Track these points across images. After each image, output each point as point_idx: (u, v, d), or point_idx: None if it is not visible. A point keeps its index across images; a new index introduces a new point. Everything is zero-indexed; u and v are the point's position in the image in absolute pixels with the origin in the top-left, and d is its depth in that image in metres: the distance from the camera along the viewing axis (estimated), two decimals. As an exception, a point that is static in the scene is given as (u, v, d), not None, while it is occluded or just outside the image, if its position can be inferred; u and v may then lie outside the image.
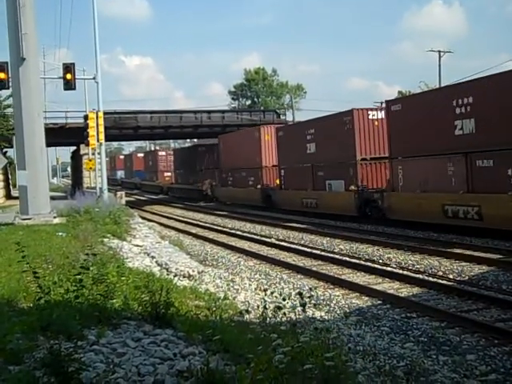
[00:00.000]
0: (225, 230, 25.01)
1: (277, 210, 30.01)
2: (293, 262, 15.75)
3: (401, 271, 13.72)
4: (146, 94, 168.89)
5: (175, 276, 12.27)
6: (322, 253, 17.11)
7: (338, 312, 10.21)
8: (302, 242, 19.69)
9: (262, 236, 22.00)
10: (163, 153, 63.10)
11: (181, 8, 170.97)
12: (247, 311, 7.90)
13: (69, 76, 22.87)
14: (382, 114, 23.14)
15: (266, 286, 12.41)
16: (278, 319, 6.00)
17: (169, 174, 56.95)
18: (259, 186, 32.68)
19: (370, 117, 23.55)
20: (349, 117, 23.57)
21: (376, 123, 23.35)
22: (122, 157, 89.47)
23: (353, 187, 22.94)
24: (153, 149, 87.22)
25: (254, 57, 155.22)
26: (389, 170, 21.31)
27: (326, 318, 9.69)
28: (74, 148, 52.94)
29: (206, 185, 41.68)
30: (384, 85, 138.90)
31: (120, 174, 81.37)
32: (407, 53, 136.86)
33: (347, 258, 15.85)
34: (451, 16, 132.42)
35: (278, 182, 30.99)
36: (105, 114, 28.47)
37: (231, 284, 12.60)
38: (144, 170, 66.87)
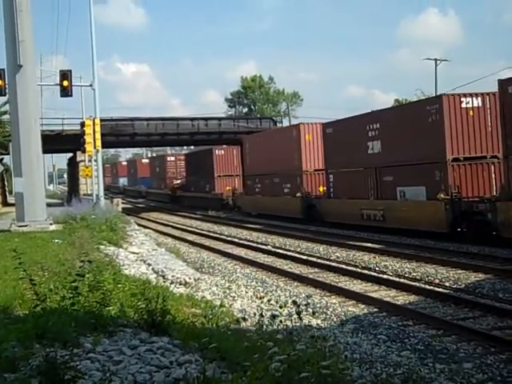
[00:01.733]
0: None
1: (323, 224, 24.78)
2: (289, 270, 15.73)
3: (397, 279, 13.71)
4: (143, 102, 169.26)
5: (171, 283, 12.24)
6: (319, 260, 17.11)
7: (335, 320, 10.19)
8: (299, 249, 19.67)
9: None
10: (172, 158, 57.48)
11: (177, 15, 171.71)
12: (244, 319, 7.89)
13: (65, 83, 22.88)
14: (478, 101, 18.61)
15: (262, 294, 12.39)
16: (275, 327, 6.00)
17: (179, 181, 52.17)
18: (299, 195, 27.54)
19: (464, 105, 18.59)
20: (435, 105, 18.88)
21: (471, 113, 18.60)
22: (124, 163, 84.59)
23: (442, 195, 18.11)
24: (149, 156, 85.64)
25: (250, 65, 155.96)
26: (503, 173, 16.77)
27: (323, 325, 9.68)
28: (71, 155, 52.86)
29: (226, 193, 38.48)
30: (380, 93, 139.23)
31: (122, 181, 76.95)
32: (404, 60, 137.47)
33: (344, 266, 15.84)
34: (447, 24, 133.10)
35: (321, 189, 26.40)
36: (101, 120, 28.45)
37: (227, 291, 12.58)
38: (150, 177, 61.48)
